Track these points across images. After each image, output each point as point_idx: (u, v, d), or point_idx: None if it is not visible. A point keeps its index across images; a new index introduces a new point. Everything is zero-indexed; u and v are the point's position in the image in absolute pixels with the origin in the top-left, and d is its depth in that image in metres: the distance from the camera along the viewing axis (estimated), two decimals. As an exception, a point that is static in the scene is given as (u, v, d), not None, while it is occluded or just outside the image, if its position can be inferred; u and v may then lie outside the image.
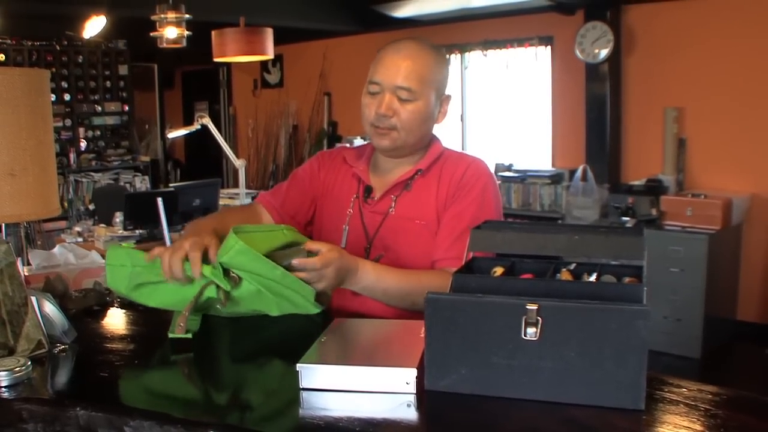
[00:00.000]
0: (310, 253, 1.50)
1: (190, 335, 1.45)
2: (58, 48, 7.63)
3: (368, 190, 1.82)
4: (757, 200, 4.97)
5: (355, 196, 1.83)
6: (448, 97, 1.80)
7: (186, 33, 4.68)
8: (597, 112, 5.57)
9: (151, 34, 4.70)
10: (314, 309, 1.57)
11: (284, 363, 1.32)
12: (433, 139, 1.84)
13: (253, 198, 5.44)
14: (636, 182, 5.31)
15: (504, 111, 6.52)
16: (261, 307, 1.54)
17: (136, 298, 1.54)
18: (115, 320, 1.67)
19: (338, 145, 7.00)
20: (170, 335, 1.45)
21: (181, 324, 1.44)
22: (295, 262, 1.48)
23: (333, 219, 1.84)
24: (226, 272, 1.45)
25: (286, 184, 1.95)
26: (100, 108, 8.06)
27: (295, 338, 1.50)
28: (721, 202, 4.68)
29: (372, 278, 1.59)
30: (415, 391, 1.16)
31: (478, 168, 1.77)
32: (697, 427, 1.05)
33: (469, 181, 1.74)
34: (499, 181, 5.74)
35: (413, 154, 1.81)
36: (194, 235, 1.50)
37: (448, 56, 6.47)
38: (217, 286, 1.45)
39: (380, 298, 1.64)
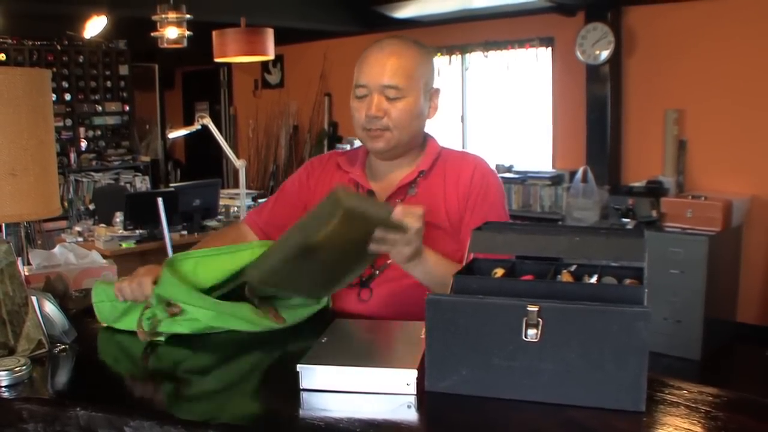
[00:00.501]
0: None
1: (162, 339, 1.49)
2: (58, 48, 7.64)
3: (370, 195, 1.76)
4: (758, 202, 4.97)
5: None
6: (437, 91, 1.76)
7: (187, 33, 4.68)
8: (597, 114, 5.57)
9: (152, 34, 4.70)
10: (272, 325, 1.55)
11: (284, 363, 1.32)
12: (428, 137, 1.81)
13: (253, 198, 5.46)
14: (636, 184, 5.30)
15: (505, 112, 6.52)
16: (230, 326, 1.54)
17: (120, 326, 1.59)
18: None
19: (338, 146, 7.02)
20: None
21: (141, 331, 1.48)
22: (398, 209, 1.38)
23: None
24: (167, 302, 1.48)
25: (272, 199, 1.93)
26: (100, 108, 8.07)
27: (296, 339, 1.50)
28: (722, 204, 4.68)
29: (432, 261, 1.53)
30: (415, 392, 1.16)
31: (483, 169, 1.75)
32: (698, 429, 1.05)
33: (481, 184, 1.72)
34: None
35: (408, 154, 1.77)
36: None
37: (448, 55, 6.48)
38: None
39: (430, 282, 1.54)
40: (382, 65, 1.65)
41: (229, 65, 8.89)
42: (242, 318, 1.50)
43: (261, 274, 1.46)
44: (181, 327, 1.50)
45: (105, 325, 1.60)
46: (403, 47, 1.68)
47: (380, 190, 1.77)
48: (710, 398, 1.15)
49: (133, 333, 1.53)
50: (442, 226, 1.70)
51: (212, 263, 1.56)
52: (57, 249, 2.23)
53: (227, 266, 1.56)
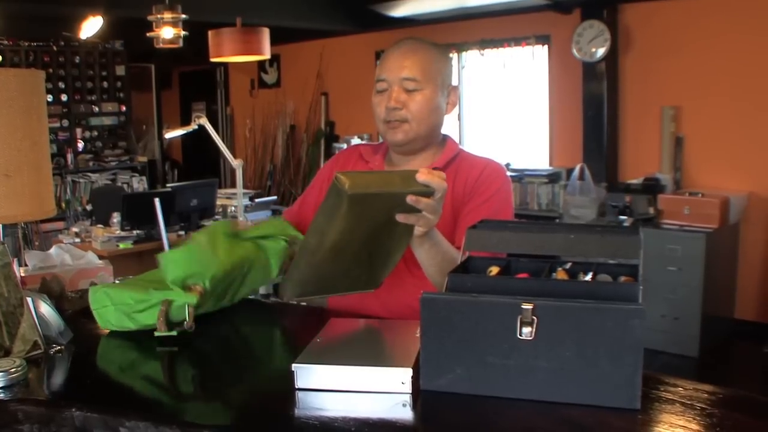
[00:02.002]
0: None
1: (174, 332, 1.47)
2: (55, 48, 7.62)
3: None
4: (755, 198, 4.97)
5: None
6: (455, 88, 1.83)
7: (182, 33, 4.68)
8: (594, 111, 5.57)
9: (148, 34, 4.69)
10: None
11: (280, 363, 1.32)
12: (447, 138, 1.87)
13: (250, 198, 5.45)
14: (633, 181, 5.31)
15: (501, 110, 6.53)
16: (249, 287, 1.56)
17: (131, 326, 1.53)
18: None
19: (335, 146, 7.02)
20: (156, 334, 1.47)
21: (161, 324, 1.46)
22: (422, 170, 1.36)
23: None
24: (185, 287, 1.46)
25: (305, 191, 2.01)
26: (97, 108, 8.05)
27: (291, 338, 1.50)
28: (719, 201, 4.68)
29: (440, 236, 1.55)
30: (410, 391, 1.16)
31: (495, 169, 1.80)
32: (693, 426, 1.05)
33: (486, 179, 1.77)
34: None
35: (426, 150, 1.82)
36: None
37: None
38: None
39: (439, 261, 1.55)
40: (400, 60, 1.74)
41: (225, 65, 8.88)
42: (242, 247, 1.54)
43: (294, 288, 1.46)
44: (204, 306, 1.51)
45: (108, 331, 1.56)
46: (420, 45, 1.78)
47: None
48: (705, 395, 1.15)
49: (129, 334, 1.53)
50: (446, 220, 1.71)
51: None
52: (53, 250, 2.23)
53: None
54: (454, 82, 1.83)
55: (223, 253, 1.53)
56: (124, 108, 8.28)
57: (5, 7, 5.51)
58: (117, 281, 1.72)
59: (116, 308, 1.52)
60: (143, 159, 8.59)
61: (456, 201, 1.75)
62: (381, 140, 1.86)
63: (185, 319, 1.47)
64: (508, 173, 1.76)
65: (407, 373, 1.17)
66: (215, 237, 1.55)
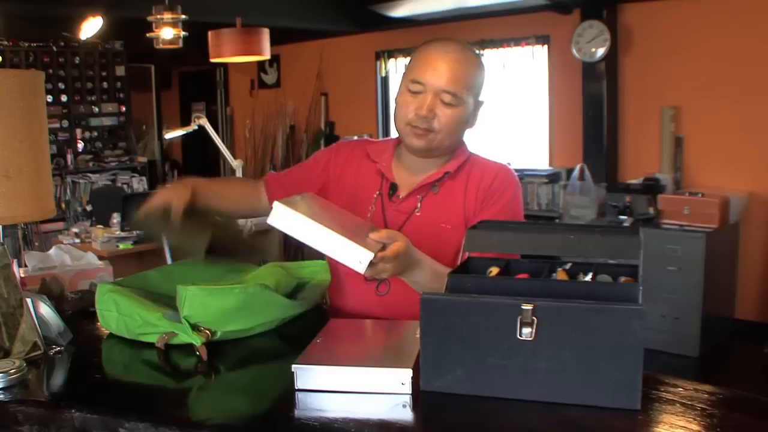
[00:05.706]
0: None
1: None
2: (54, 49, 7.62)
3: (393, 188, 1.78)
4: (755, 198, 4.97)
5: (377, 192, 1.78)
6: (482, 103, 1.77)
7: (182, 33, 4.67)
8: (594, 111, 5.57)
9: (148, 34, 4.69)
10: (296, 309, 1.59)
11: (280, 364, 1.32)
12: (460, 142, 1.82)
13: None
14: (633, 181, 5.31)
15: (501, 110, 6.52)
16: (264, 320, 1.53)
17: (127, 337, 1.51)
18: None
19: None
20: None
21: (160, 345, 1.44)
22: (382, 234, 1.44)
23: (355, 214, 1.76)
24: (195, 327, 1.41)
25: (298, 165, 1.95)
26: (97, 109, 8.04)
27: (291, 339, 1.50)
28: (719, 201, 4.68)
29: (428, 277, 1.54)
30: (410, 392, 1.16)
31: (507, 175, 1.76)
32: (693, 426, 1.05)
33: (499, 188, 1.73)
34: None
35: (441, 156, 1.77)
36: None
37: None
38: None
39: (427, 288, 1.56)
40: (443, 69, 1.65)
41: (225, 65, 8.87)
42: (274, 304, 1.51)
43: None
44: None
45: (108, 332, 1.55)
46: (468, 56, 1.70)
47: (404, 185, 1.78)
48: (706, 396, 1.15)
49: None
50: (459, 227, 1.71)
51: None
52: (53, 251, 2.23)
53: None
54: (482, 97, 1.77)
55: (251, 318, 1.49)
56: (123, 108, 8.28)
57: (5, 8, 5.50)
58: (124, 279, 1.68)
59: (120, 317, 1.49)
60: (143, 159, 8.59)
61: (468, 207, 1.72)
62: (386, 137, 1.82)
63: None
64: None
65: (407, 373, 1.16)
66: (252, 297, 1.48)
